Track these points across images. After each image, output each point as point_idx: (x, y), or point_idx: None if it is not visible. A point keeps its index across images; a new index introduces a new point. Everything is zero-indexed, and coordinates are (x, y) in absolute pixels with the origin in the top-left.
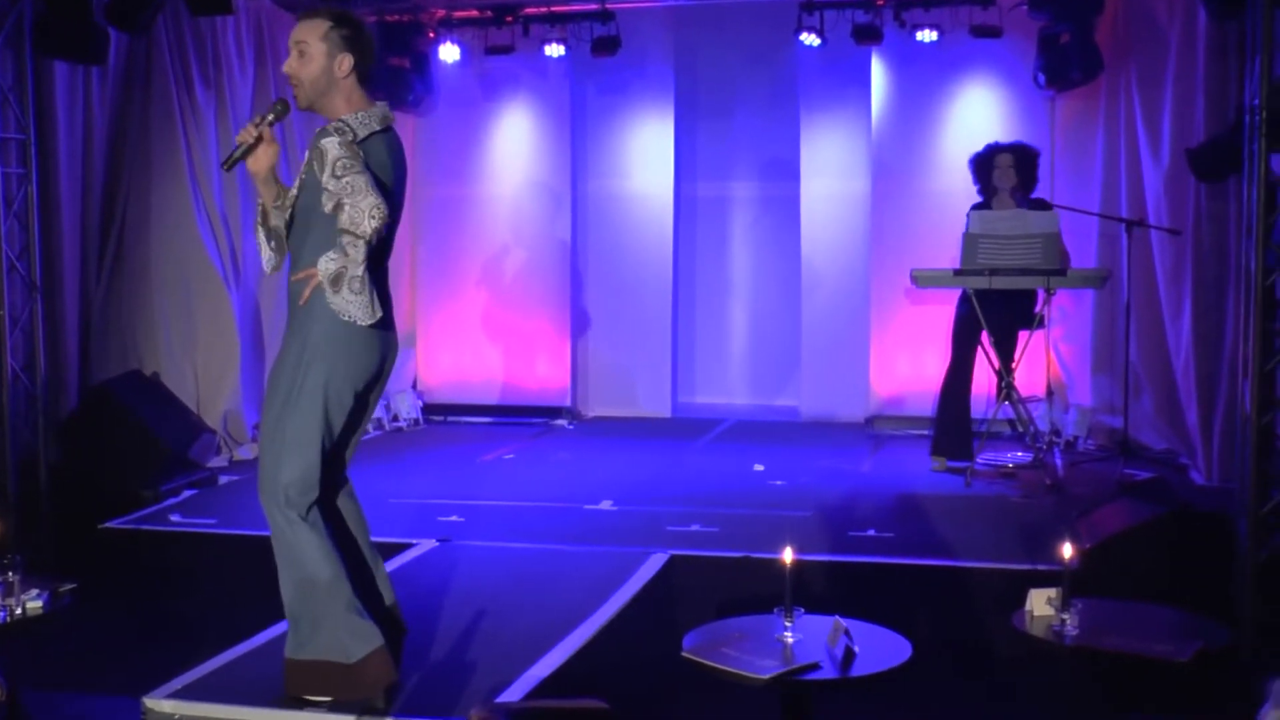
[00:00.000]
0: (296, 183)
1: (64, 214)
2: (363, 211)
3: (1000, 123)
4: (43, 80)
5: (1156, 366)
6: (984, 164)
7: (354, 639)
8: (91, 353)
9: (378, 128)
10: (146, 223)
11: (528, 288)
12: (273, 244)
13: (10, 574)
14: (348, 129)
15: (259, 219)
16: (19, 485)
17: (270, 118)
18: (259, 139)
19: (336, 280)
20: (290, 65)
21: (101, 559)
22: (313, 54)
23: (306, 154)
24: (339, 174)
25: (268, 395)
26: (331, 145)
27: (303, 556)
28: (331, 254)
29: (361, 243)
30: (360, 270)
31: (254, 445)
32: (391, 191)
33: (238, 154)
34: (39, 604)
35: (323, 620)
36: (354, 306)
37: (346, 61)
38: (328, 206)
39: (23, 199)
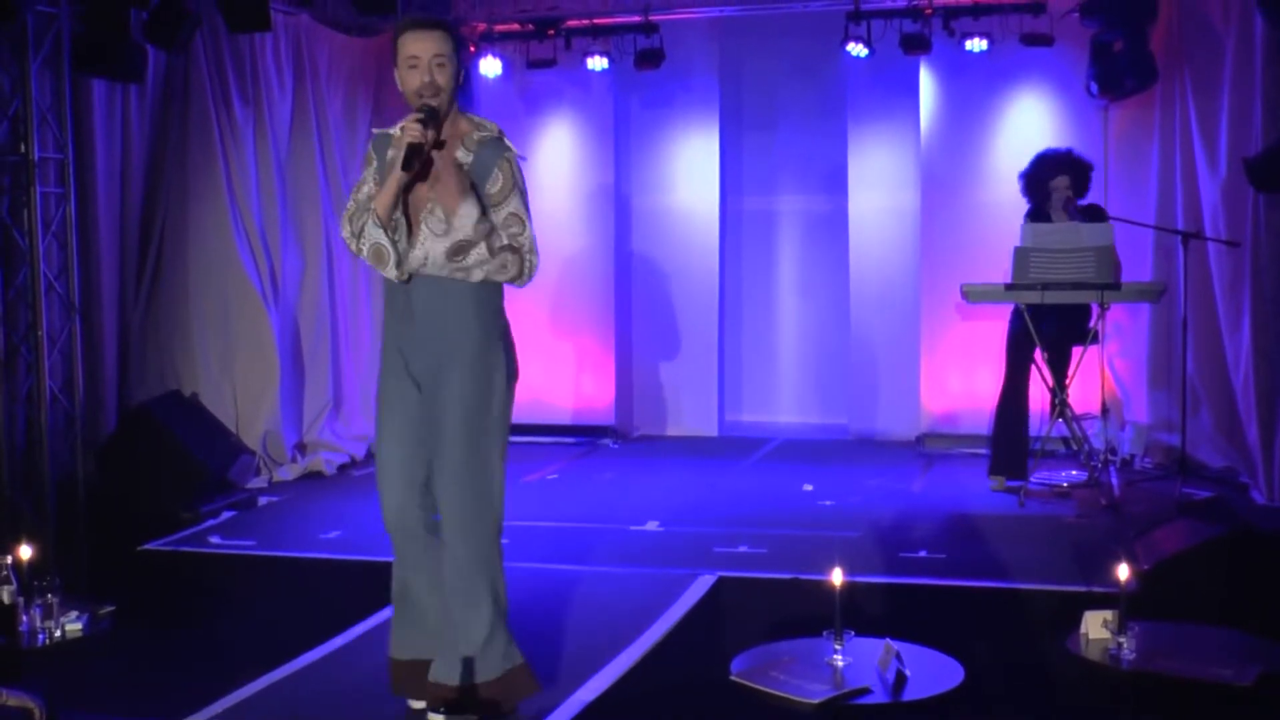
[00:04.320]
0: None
1: (102, 233)
2: (530, 267)
3: (1052, 133)
4: (81, 99)
5: (1215, 382)
6: (1038, 185)
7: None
8: (130, 373)
9: None
10: (185, 242)
11: (571, 304)
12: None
13: (49, 596)
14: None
15: (392, 224)
16: (57, 507)
17: (425, 120)
18: (427, 140)
19: (459, 250)
20: (439, 75)
21: (140, 581)
22: (447, 64)
23: (473, 162)
24: (519, 209)
25: (447, 398)
26: (517, 164)
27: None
28: (496, 243)
29: (501, 272)
30: (484, 271)
31: (293, 465)
32: None
33: (415, 156)
34: (78, 626)
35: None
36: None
37: (460, 76)
38: (497, 217)
39: (61, 219)
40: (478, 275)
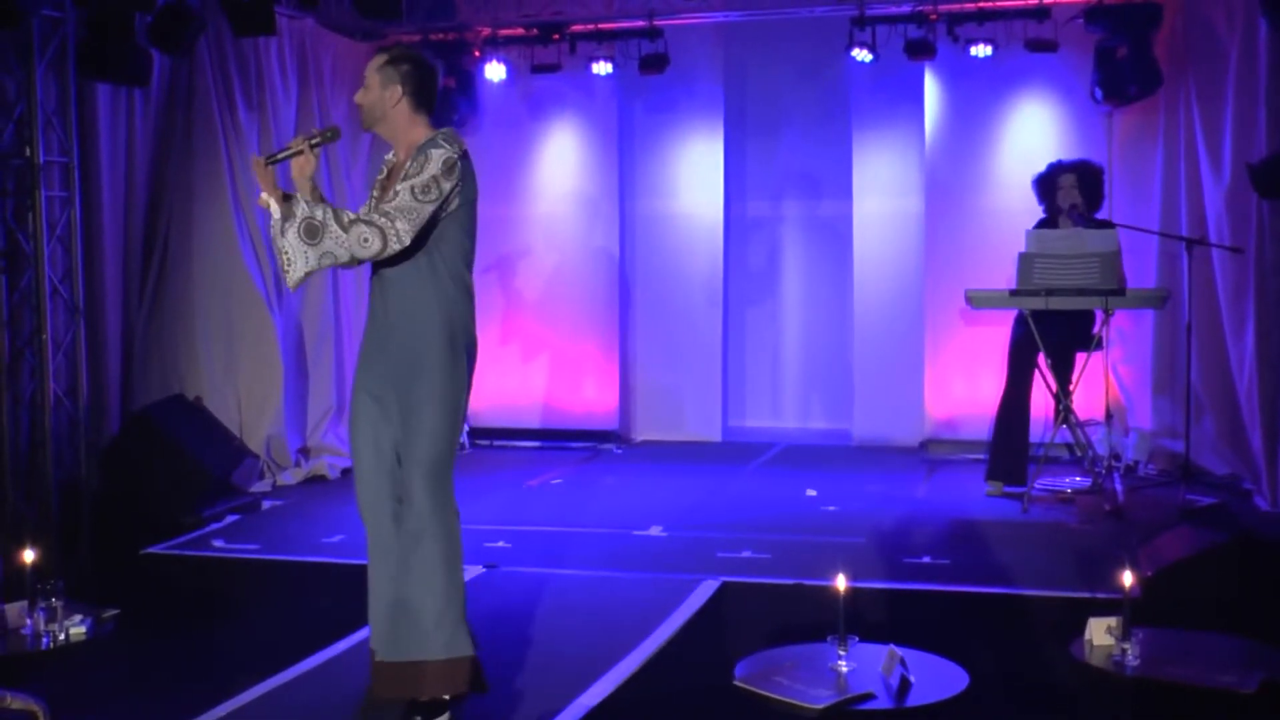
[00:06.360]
0: (389, 191)
1: (106, 237)
2: (394, 234)
3: (1057, 139)
4: (85, 103)
5: (1218, 389)
6: (1047, 184)
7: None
8: (134, 377)
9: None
10: (189, 245)
11: (575, 309)
12: None
13: (53, 600)
14: (455, 144)
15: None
16: (61, 510)
17: (317, 140)
18: (301, 153)
19: (310, 231)
20: (358, 94)
21: (144, 585)
22: (370, 84)
23: (411, 163)
24: (419, 195)
25: (418, 394)
26: (437, 159)
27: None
28: (346, 217)
29: (362, 247)
30: (333, 248)
31: (297, 469)
32: (474, 209)
33: (281, 155)
34: (82, 630)
35: (453, 613)
36: (296, 255)
37: (394, 93)
38: (387, 192)
39: (65, 222)
40: (342, 255)
